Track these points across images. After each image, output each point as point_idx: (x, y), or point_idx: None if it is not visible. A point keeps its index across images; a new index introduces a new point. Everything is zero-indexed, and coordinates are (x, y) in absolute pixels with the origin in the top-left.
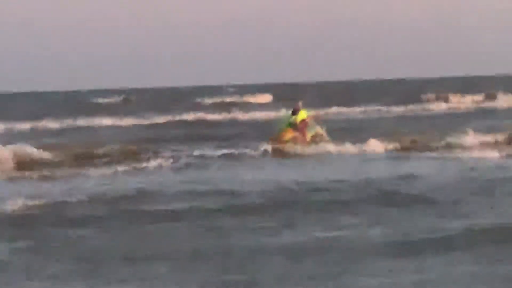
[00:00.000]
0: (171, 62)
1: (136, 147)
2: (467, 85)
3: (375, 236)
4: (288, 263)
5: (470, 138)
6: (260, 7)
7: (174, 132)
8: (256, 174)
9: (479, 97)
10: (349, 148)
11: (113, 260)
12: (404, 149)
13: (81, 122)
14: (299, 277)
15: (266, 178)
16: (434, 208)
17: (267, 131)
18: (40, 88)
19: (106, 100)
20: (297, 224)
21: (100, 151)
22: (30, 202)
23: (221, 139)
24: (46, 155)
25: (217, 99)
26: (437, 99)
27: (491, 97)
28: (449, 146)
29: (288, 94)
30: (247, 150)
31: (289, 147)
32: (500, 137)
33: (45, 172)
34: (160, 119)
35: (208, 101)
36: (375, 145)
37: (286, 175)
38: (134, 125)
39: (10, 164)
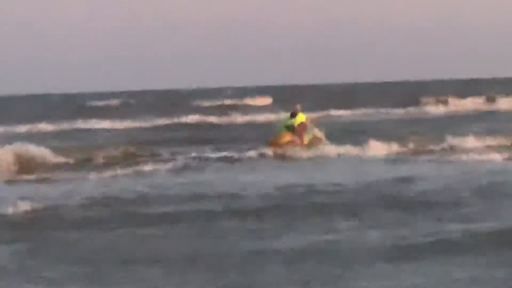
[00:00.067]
0: (170, 64)
1: (134, 150)
2: (467, 88)
3: (375, 239)
4: (287, 266)
5: (470, 140)
6: (260, 8)
7: (173, 134)
8: (255, 176)
9: (479, 100)
10: (348, 150)
11: (112, 263)
12: (403, 151)
13: (79, 125)
14: (298, 281)
15: (265, 180)
16: (434, 211)
17: (266, 133)
18: (37, 91)
19: (104, 103)
20: (296, 227)
21: (99, 154)
22: (29, 205)
23: (220, 141)
24: (46, 155)
25: (216, 102)
26: (437, 101)
27: (491, 100)
28: (449, 149)
29: (287, 96)
30: (246, 153)
31: (288, 150)
32: (500, 139)
33: (44, 175)
34: (159, 121)
35: (207, 103)
36: (374, 148)
37: (285, 177)
38: (133, 128)
39: (10, 166)
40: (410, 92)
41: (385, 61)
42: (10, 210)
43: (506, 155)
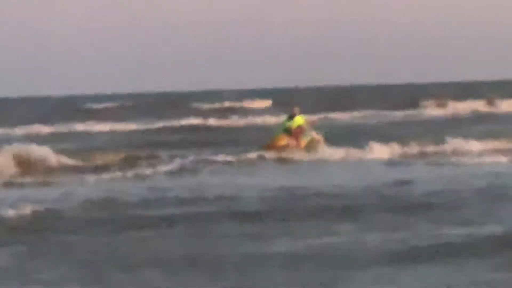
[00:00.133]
0: (168, 64)
1: (133, 153)
2: (467, 90)
3: (374, 242)
4: (285, 270)
5: (470, 143)
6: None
7: (171, 137)
8: (254, 179)
9: (479, 103)
10: (347, 153)
11: (111, 265)
12: (403, 154)
13: (78, 127)
14: (297, 284)
15: (264, 183)
16: (434, 214)
17: (265, 136)
18: (34, 93)
19: (103, 105)
20: (295, 230)
21: (97, 156)
22: (28, 207)
23: (219, 144)
24: (46, 157)
25: (216, 105)
26: (437, 104)
27: (491, 102)
28: (449, 151)
29: (287, 99)
30: (245, 155)
31: (284, 153)
32: (501, 142)
33: (43, 177)
34: (158, 124)
35: (206, 106)
36: (374, 150)
37: (284, 180)
38: (131, 131)
39: (10, 168)
40: (410, 95)
41: (384, 63)
42: (9, 212)
43: (506, 157)
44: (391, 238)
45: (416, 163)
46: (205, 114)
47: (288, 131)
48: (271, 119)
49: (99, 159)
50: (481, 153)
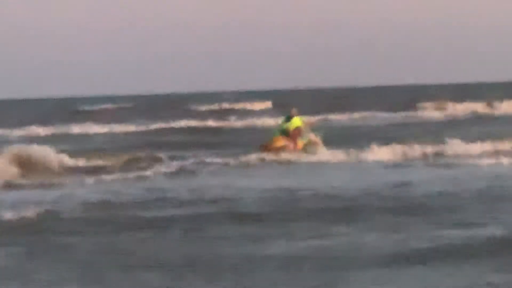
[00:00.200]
0: (167, 65)
1: (132, 154)
2: (466, 92)
3: (373, 244)
4: (284, 271)
5: (469, 145)
6: (258, 9)
7: (170, 138)
8: (252, 181)
9: (478, 104)
10: (346, 155)
11: (110, 266)
12: (402, 156)
13: (76, 129)
14: (295, 285)
15: (263, 185)
16: (433, 216)
17: (264, 138)
18: (31, 95)
19: (101, 107)
20: (294, 232)
21: (96, 158)
22: (27, 209)
23: (218, 146)
24: (44, 159)
25: (215, 106)
26: (436, 106)
27: (490, 104)
28: (448, 153)
29: (287, 100)
30: (244, 157)
31: (281, 155)
32: (500, 144)
33: (42, 179)
34: (156, 125)
35: (205, 107)
36: (373, 152)
37: (283, 182)
38: (130, 132)
39: (9, 170)
40: (408, 96)
41: (384, 64)
42: (8, 213)
43: (506, 159)
44: (390, 239)
45: (415, 164)
46: (204, 115)
47: (285, 133)
48: (270, 121)
49: (98, 161)
50: (480, 155)
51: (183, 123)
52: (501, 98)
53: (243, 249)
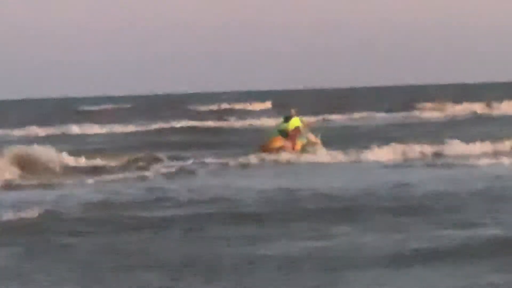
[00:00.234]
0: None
1: (131, 155)
2: (466, 92)
3: (372, 244)
4: (283, 272)
5: (469, 145)
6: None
7: (169, 139)
8: (251, 181)
9: (478, 105)
10: (345, 155)
11: (109, 267)
12: (402, 156)
13: (75, 129)
14: (294, 286)
15: (262, 185)
16: (432, 217)
17: (264, 138)
18: (30, 95)
19: (101, 108)
20: (293, 232)
21: (95, 158)
22: (27, 209)
23: (217, 146)
24: (44, 160)
25: (214, 107)
26: (435, 106)
27: (490, 104)
28: (447, 154)
29: (286, 101)
30: (243, 158)
31: (284, 155)
32: (499, 144)
33: (41, 180)
34: (156, 126)
35: (204, 108)
36: (372, 153)
37: (282, 182)
38: (129, 133)
39: (8, 170)
40: (408, 97)
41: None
42: (9, 214)
43: (505, 159)
44: (390, 239)
45: (415, 164)
46: (203, 115)
47: (284, 133)
48: (270, 121)
49: (98, 161)
50: (480, 155)
51: (183, 123)
52: (500, 99)
53: (243, 249)
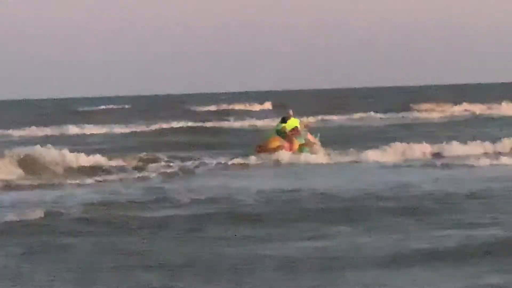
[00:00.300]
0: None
1: (130, 155)
2: (465, 93)
3: (370, 245)
4: (281, 272)
5: (468, 146)
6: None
7: (168, 139)
8: (250, 182)
9: (478, 105)
10: (344, 156)
11: (108, 267)
12: (401, 157)
13: (74, 130)
14: (292, 286)
15: (260, 186)
16: (431, 217)
17: (262, 139)
18: (29, 96)
19: (100, 108)
20: (291, 232)
21: (93, 159)
22: (26, 209)
23: (216, 146)
24: (42, 160)
25: (213, 107)
26: (436, 107)
27: (490, 105)
28: (446, 154)
29: (286, 101)
30: (242, 158)
31: (283, 155)
32: (499, 145)
33: (41, 180)
34: (155, 126)
35: (204, 108)
36: (371, 153)
37: (280, 183)
38: (128, 133)
39: (8, 171)
40: (408, 97)
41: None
42: (9, 214)
43: (504, 160)
44: (390, 239)
45: (414, 165)
46: (203, 116)
47: (281, 134)
48: (269, 122)
49: (98, 161)
50: (478, 156)
51: (182, 123)
52: (500, 99)
53: (242, 249)
